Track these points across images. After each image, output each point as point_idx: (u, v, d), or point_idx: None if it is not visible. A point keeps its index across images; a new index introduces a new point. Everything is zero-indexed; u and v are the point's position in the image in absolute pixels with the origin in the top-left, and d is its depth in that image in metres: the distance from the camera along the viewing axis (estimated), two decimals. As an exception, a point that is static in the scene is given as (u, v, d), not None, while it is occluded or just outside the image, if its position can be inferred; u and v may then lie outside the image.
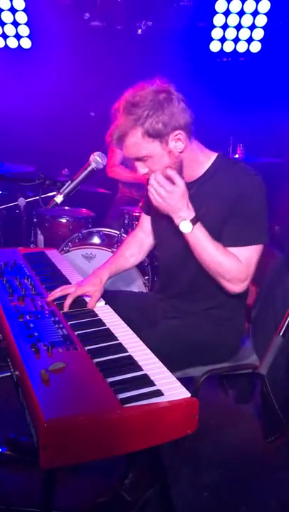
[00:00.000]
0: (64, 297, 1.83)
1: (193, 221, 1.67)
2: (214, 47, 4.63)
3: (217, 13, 4.44)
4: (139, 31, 4.71)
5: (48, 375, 1.28)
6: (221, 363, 1.94)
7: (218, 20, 4.48)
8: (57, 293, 1.84)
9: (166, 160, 1.69)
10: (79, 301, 1.86)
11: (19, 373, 1.33)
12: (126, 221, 3.55)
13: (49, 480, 1.26)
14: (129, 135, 1.65)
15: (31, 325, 1.61)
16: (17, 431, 2.19)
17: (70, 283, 2.08)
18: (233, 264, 1.71)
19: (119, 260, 2.14)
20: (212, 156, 1.83)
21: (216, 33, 4.56)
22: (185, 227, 1.68)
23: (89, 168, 1.83)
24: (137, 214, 3.48)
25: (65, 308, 1.77)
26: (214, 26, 4.51)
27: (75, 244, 3.27)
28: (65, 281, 2.10)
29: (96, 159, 1.83)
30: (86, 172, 1.83)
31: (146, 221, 2.15)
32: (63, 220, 3.68)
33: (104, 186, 4.08)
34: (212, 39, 4.58)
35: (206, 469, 2.18)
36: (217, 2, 4.39)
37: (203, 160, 1.81)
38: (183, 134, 1.67)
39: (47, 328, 1.59)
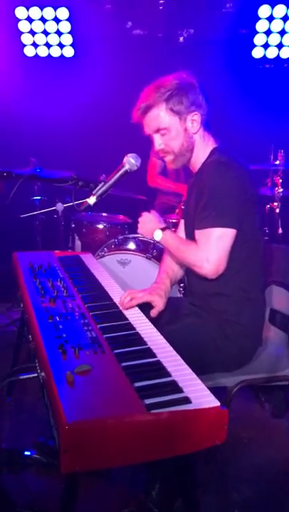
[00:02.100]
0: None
1: (163, 229, 1.98)
2: (257, 53, 4.55)
3: (260, 18, 4.37)
4: (181, 39, 4.69)
5: (73, 377, 1.25)
6: (230, 371, 1.89)
7: (261, 26, 4.41)
8: (126, 298, 1.86)
9: (181, 137, 1.89)
10: (110, 305, 1.84)
11: (45, 374, 1.31)
12: (162, 227, 3.51)
13: (70, 485, 1.22)
14: (154, 108, 1.86)
15: (60, 326, 1.59)
16: (45, 433, 2.17)
17: (102, 286, 2.07)
18: (191, 250, 1.87)
19: (174, 268, 2.18)
20: (211, 149, 1.96)
21: (259, 39, 4.48)
22: (157, 235, 1.98)
23: (122, 170, 1.81)
24: (173, 221, 3.44)
25: (124, 308, 1.82)
26: (257, 32, 4.44)
27: (111, 249, 3.26)
28: (97, 285, 2.09)
29: (130, 161, 1.81)
30: (120, 174, 1.82)
31: (182, 228, 2.20)
32: (100, 226, 3.68)
33: (143, 193, 4.08)
34: (254, 45, 4.51)
35: (238, 485, 2.10)
36: (260, 7, 4.33)
37: (206, 152, 1.95)
38: (199, 117, 1.88)
39: (76, 330, 1.57)
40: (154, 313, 1.88)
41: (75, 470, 1.08)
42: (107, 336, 1.55)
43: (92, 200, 1.82)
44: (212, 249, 1.78)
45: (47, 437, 2.14)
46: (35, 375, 1.37)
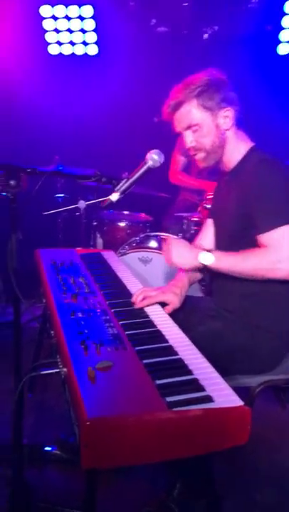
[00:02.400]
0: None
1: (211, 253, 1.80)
2: (282, 50, 4.49)
3: (286, 14, 4.31)
4: (205, 36, 4.65)
5: (95, 373, 1.24)
6: (262, 373, 1.84)
7: (287, 21, 4.34)
8: (138, 296, 1.83)
9: (212, 134, 1.86)
10: (131, 302, 1.83)
11: (67, 369, 1.31)
12: (184, 226, 3.50)
13: (91, 482, 1.21)
14: (185, 104, 1.85)
15: (82, 322, 1.59)
16: (66, 430, 2.18)
17: (123, 284, 2.06)
18: (257, 257, 1.73)
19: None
20: (248, 148, 1.91)
21: (285, 36, 4.41)
22: (206, 259, 1.78)
23: (145, 167, 1.80)
24: (195, 219, 3.42)
25: (136, 306, 1.79)
26: (282, 28, 4.37)
27: (132, 247, 3.25)
28: (119, 282, 2.09)
29: (153, 157, 1.80)
30: (142, 170, 1.80)
31: (210, 228, 2.15)
32: (122, 224, 3.69)
33: (164, 190, 4.06)
34: (280, 42, 4.45)
35: (260, 486, 2.07)
36: (286, 3, 4.26)
37: (241, 150, 1.91)
38: (231, 114, 1.86)
39: (97, 327, 1.57)
40: (168, 309, 1.83)
41: (94, 466, 1.08)
42: (128, 332, 1.54)
43: (114, 197, 1.81)
44: (285, 248, 1.69)
45: (68, 434, 2.15)
46: (57, 370, 1.37)
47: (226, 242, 1.96)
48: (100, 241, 3.81)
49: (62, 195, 3.92)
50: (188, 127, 1.88)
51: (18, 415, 1.55)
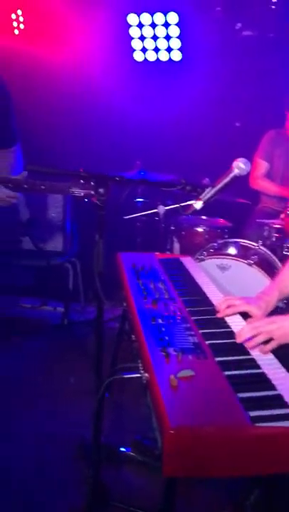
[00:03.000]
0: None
1: None
2: None
3: None
4: (293, 38, 4.53)
5: (177, 381, 1.26)
6: None
7: None
8: (222, 304, 1.80)
9: None
10: (212, 311, 1.82)
11: (149, 375, 1.33)
12: (265, 233, 3.42)
13: (170, 488, 1.23)
14: None
15: (163, 329, 1.60)
16: (141, 432, 2.22)
17: (202, 291, 2.06)
18: None
19: (286, 284, 2.00)
20: None
21: None
22: None
23: (231, 175, 1.79)
24: (277, 226, 3.34)
25: (219, 315, 1.76)
26: None
27: (210, 253, 3.24)
28: (198, 289, 2.08)
29: (239, 166, 1.79)
30: (228, 178, 1.79)
31: None
32: (200, 229, 3.68)
33: (244, 196, 3.99)
34: None
35: None
36: None
37: None
38: None
39: (178, 334, 1.58)
40: (250, 322, 1.76)
41: (176, 475, 1.09)
42: (209, 342, 1.54)
43: (198, 205, 1.82)
44: None
45: (143, 436, 2.18)
46: (139, 375, 1.40)
47: None
48: (176, 246, 3.82)
49: (142, 199, 3.98)
50: None
51: (98, 417, 1.60)
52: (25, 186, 2.25)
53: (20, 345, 3.81)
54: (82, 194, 1.96)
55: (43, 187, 2.21)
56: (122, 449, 2.20)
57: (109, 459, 2.13)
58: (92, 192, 1.87)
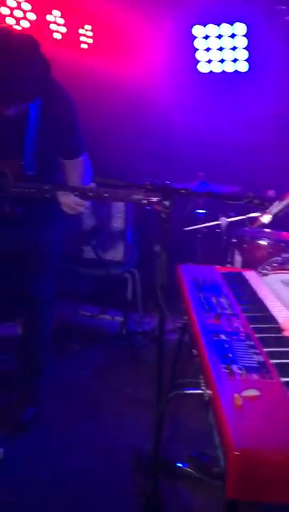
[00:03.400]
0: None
1: None
2: None
3: None
4: None
5: (242, 401, 1.22)
6: None
7: None
8: (288, 323, 1.75)
9: None
10: (277, 328, 1.77)
11: (212, 392, 1.31)
12: None
13: (231, 509, 1.19)
14: None
15: (226, 345, 1.57)
16: (200, 448, 2.18)
17: (266, 307, 2.00)
18: None
19: None
20: None
21: None
22: None
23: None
24: None
25: (286, 333, 1.70)
26: None
27: (274, 268, 3.14)
28: (262, 305, 2.03)
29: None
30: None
31: None
32: (263, 243, 3.59)
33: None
34: None
35: None
36: None
37: None
38: None
39: (242, 351, 1.54)
40: None
41: (239, 497, 1.05)
42: (274, 361, 1.49)
43: (266, 219, 1.77)
44: None
45: (200, 452, 2.15)
46: (201, 391, 1.37)
47: None
48: (238, 258, 3.75)
49: (204, 211, 3.95)
50: None
51: (158, 430, 1.59)
52: (90, 194, 2.31)
53: (79, 353, 3.87)
54: (144, 202, 1.99)
55: (106, 195, 2.26)
56: (179, 464, 2.17)
57: (165, 473, 2.10)
58: (155, 199, 1.89)
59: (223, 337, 1.64)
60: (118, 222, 4.21)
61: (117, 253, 4.25)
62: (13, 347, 3.36)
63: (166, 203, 1.70)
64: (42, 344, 2.92)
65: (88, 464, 2.48)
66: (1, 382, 2.90)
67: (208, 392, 1.35)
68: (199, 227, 3.90)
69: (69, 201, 2.35)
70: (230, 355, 1.50)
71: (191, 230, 3.92)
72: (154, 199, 1.91)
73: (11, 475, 2.38)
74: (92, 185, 2.34)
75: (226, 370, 1.39)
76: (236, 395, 1.24)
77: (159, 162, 4.54)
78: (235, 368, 1.41)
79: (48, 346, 2.95)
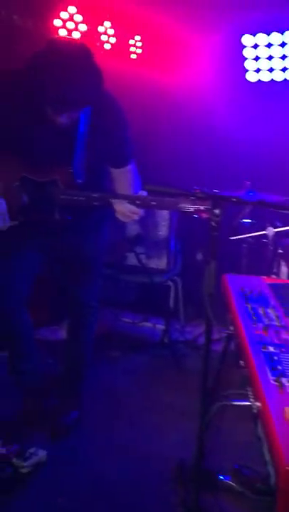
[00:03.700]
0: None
1: None
2: None
3: None
4: None
5: (292, 415, 1.20)
6: None
7: None
8: None
9: None
10: None
11: (261, 405, 1.28)
12: None
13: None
14: None
15: (275, 358, 1.54)
16: (243, 460, 2.14)
17: (317, 321, 1.95)
18: None
19: None
20: None
21: None
22: None
23: None
24: None
25: None
26: None
27: None
28: (313, 318, 1.98)
29: None
30: None
31: None
32: (310, 254, 3.52)
33: None
34: None
35: None
36: None
37: None
38: None
39: (291, 364, 1.51)
40: None
41: (289, 515, 1.03)
42: None
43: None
44: None
45: (244, 465, 2.11)
46: (249, 403, 1.35)
47: None
48: (284, 269, 3.69)
49: (250, 220, 3.91)
50: None
51: (201, 441, 1.57)
52: (138, 202, 2.32)
53: (119, 360, 3.88)
54: (191, 210, 1.98)
55: (153, 203, 2.27)
56: (221, 477, 2.14)
57: (206, 484, 2.08)
58: (203, 207, 1.88)
59: (271, 349, 1.61)
60: (162, 230, 4.21)
61: (160, 261, 4.25)
62: (56, 351, 3.42)
63: (217, 211, 1.69)
64: (86, 349, 2.95)
65: (129, 471, 2.48)
66: (45, 385, 2.94)
67: (257, 404, 1.32)
68: (245, 237, 3.85)
69: (124, 209, 2.37)
70: (280, 367, 1.47)
71: (236, 239, 3.87)
72: (202, 207, 1.90)
73: (53, 477, 2.41)
74: (143, 193, 2.35)
75: (276, 383, 1.36)
76: (287, 408, 1.22)
77: (206, 170, 4.52)
78: (284, 380, 1.38)
79: (92, 351, 2.98)
